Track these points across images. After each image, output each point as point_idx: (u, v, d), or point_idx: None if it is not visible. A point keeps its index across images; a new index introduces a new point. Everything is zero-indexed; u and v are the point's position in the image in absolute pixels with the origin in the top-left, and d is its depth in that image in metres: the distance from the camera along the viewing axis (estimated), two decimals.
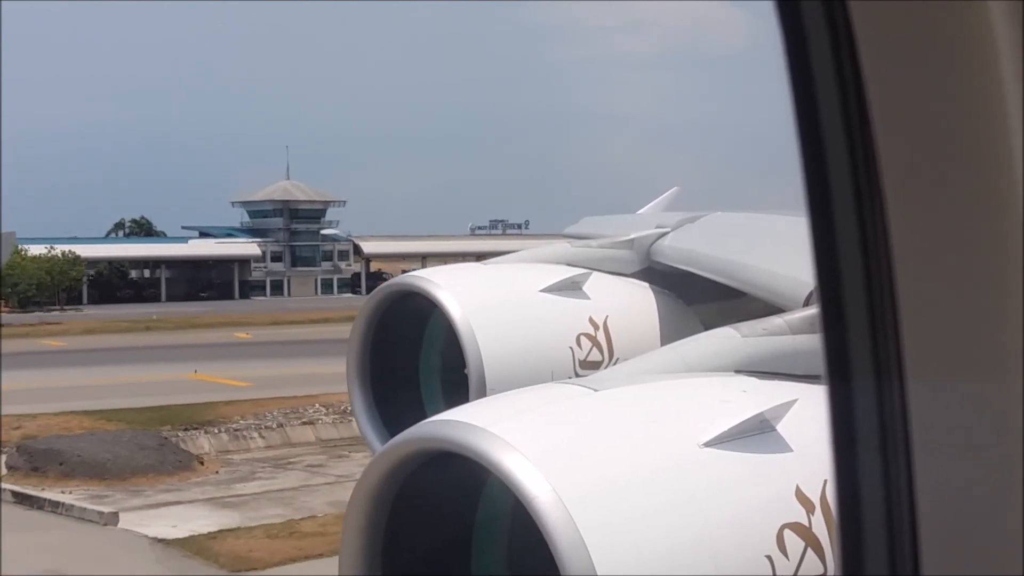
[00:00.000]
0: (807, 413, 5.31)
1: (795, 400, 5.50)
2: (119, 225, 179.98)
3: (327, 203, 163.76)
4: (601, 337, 10.10)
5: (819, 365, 1.98)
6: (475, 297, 9.95)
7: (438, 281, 10.08)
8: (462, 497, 5.68)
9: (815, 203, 1.92)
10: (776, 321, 6.76)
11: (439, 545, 5.94)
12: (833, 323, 1.92)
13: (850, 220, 1.87)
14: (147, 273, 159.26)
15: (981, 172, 1.71)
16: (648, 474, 5.15)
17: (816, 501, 5.20)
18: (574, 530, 4.68)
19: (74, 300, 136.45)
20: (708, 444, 5.22)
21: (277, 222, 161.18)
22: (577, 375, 9.39)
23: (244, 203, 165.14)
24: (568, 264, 10.99)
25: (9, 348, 74.15)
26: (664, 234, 11.63)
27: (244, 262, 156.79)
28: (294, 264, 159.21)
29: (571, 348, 9.94)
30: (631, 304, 10.73)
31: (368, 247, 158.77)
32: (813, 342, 6.07)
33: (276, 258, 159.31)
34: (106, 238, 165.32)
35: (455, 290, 9.91)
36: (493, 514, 5.68)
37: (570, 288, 10.33)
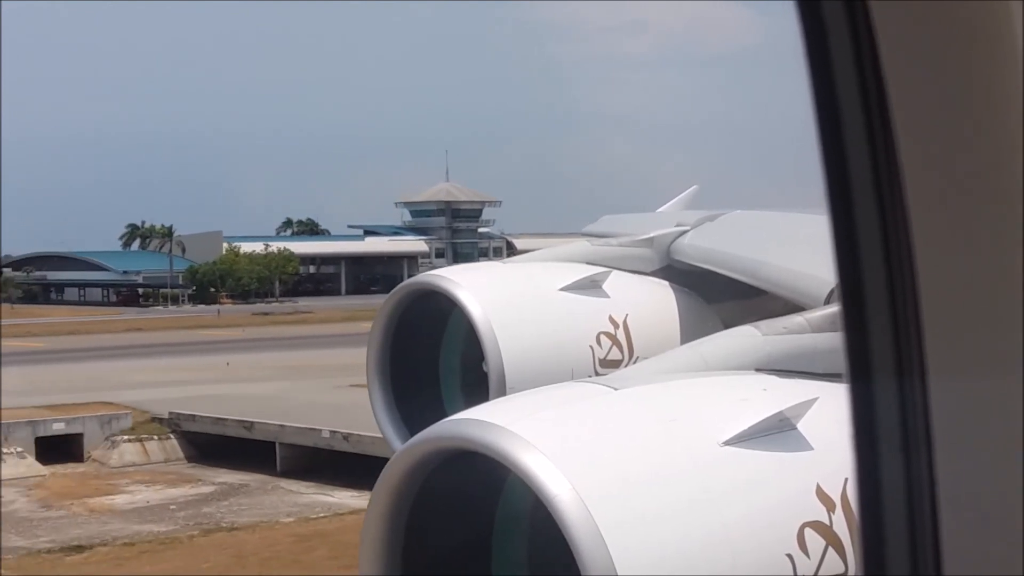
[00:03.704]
0: (828, 411, 5.29)
1: (816, 398, 5.48)
2: (287, 224, 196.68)
3: (484, 203, 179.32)
4: (621, 336, 10.09)
5: (840, 363, 1.97)
6: (495, 296, 9.95)
7: (458, 280, 10.09)
8: (482, 496, 5.68)
9: (836, 201, 1.92)
10: (797, 319, 6.74)
11: (459, 544, 5.94)
12: (854, 321, 1.92)
13: (871, 218, 1.87)
14: (312, 269, 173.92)
15: (1004, 171, 1.71)
16: (668, 473, 5.14)
17: (837, 500, 5.19)
18: (594, 529, 4.68)
19: (266, 294, 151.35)
20: (728, 443, 5.21)
21: (439, 221, 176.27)
22: (597, 374, 9.38)
23: (407, 204, 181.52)
24: (588, 263, 10.97)
25: (343, 330, 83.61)
26: (684, 232, 11.60)
27: (412, 258, 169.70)
28: (455, 260, 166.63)
29: (591, 347, 9.93)
30: (651, 303, 10.71)
31: (519, 244, 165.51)
32: (834, 340, 6.05)
33: (439, 255, 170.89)
34: (276, 236, 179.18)
35: (475, 289, 9.91)
36: (513, 513, 5.68)
37: (590, 287, 10.32)
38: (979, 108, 1.71)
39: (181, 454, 48.76)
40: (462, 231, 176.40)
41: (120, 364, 69.43)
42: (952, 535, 1.79)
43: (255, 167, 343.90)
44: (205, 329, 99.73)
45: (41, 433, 47.86)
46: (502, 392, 9.07)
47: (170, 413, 49.98)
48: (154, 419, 50.15)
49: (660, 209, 17.10)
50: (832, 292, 6.95)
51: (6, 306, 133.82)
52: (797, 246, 9.89)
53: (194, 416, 49.23)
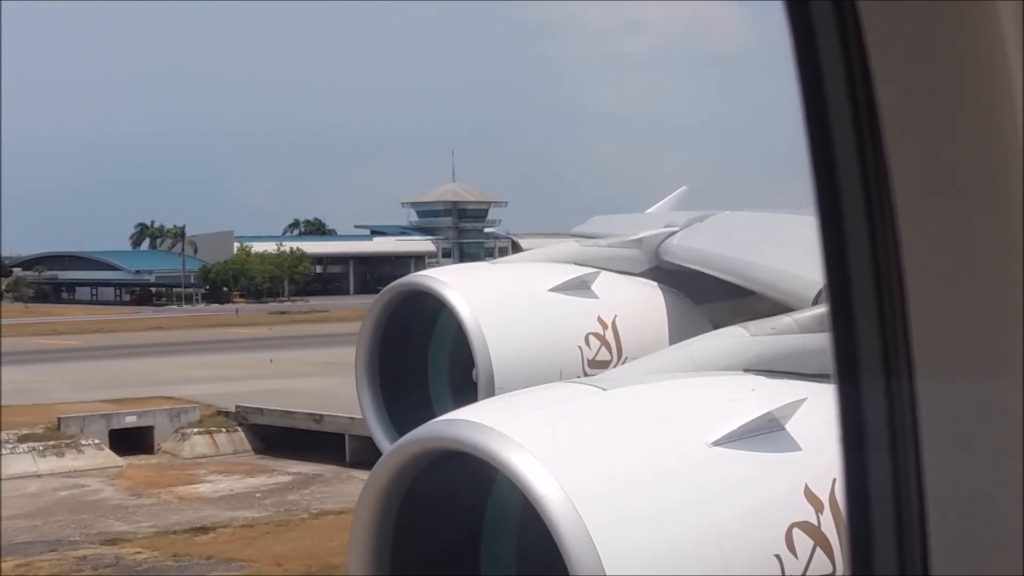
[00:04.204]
0: (816, 412, 5.30)
1: (804, 399, 5.49)
2: (294, 224, 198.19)
3: (490, 203, 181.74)
4: (610, 336, 10.10)
5: (828, 364, 1.97)
6: (484, 297, 9.95)
7: (447, 281, 10.09)
8: (471, 496, 5.68)
9: (824, 202, 1.92)
10: (785, 320, 6.75)
11: (448, 544, 5.94)
12: (842, 322, 1.92)
13: (859, 219, 1.87)
14: (319, 268, 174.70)
15: (990, 171, 1.71)
16: (657, 473, 5.15)
17: (825, 500, 5.20)
18: (583, 529, 4.68)
19: (277, 293, 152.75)
20: (717, 443, 5.21)
21: (445, 221, 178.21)
22: (586, 374, 9.38)
23: (414, 204, 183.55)
24: (577, 263, 10.98)
25: None
26: (673, 233, 11.62)
27: (419, 258, 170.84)
28: (461, 260, 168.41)
29: (580, 347, 9.93)
30: (640, 303, 10.72)
31: (525, 244, 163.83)
32: (822, 341, 6.06)
33: (445, 255, 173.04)
34: (284, 236, 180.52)
35: (464, 290, 9.91)
36: (502, 513, 5.68)
37: (579, 287, 10.33)
38: (966, 108, 1.71)
39: (248, 446, 49.60)
40: (468, 231, 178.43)
41: (164, 361, 69.69)
42: (940, 535, 1.80)
43: (261, 167, 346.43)
44: (228, 328, 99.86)
45: (115, 426, 48.93)
46: (491, 393, 9.07)
47: (237, 407, 50.76)
48: (219, 412, 50.95)
49: (649, 210, 17.13)
50: (820, 293, 6.96)
51: (20, 305, 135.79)
52: (785, 247, 9.91)
53: (262, 409, 50.12)
